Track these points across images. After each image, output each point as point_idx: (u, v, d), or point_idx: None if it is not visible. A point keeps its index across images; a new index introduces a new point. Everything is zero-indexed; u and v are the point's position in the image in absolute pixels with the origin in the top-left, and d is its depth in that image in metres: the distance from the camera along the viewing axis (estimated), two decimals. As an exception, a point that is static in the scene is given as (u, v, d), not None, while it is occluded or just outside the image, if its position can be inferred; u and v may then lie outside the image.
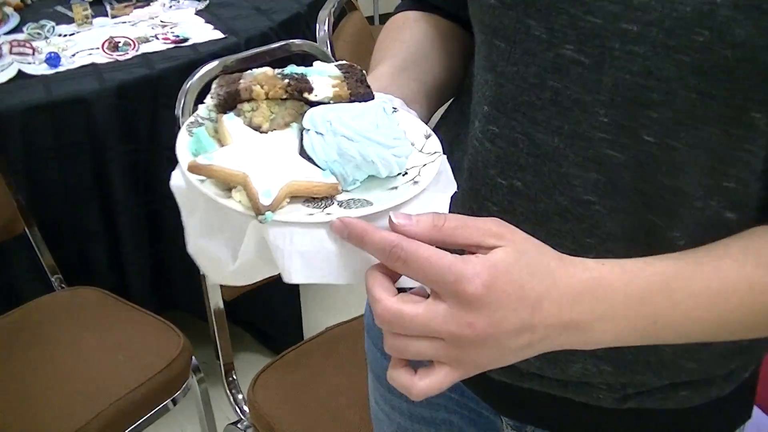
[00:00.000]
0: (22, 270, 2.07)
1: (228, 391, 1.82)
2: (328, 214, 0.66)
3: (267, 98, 0.72)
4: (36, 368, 1.79)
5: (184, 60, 2.21)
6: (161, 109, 2.13)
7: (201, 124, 0.75)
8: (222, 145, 0.70)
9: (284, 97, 0.73)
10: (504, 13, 0.72)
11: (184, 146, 0.71)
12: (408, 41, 0.95)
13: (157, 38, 2.29)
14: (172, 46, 2.26)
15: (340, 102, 0.74)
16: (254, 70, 0.76)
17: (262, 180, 0.65)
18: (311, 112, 0.71)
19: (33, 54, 2.13)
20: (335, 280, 0.66)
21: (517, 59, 0.70)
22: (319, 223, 0.65)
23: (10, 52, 2.13)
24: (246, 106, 0.72)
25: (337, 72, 0.78)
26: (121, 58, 2.17)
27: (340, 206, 0.68)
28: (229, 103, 0.72)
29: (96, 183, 2.14)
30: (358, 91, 0.75)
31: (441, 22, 0.99)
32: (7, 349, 1.85)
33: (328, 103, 0.74)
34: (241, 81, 0.74)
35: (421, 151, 0.76)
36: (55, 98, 2.04)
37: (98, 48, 2.20)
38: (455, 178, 0.73)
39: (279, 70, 0.76)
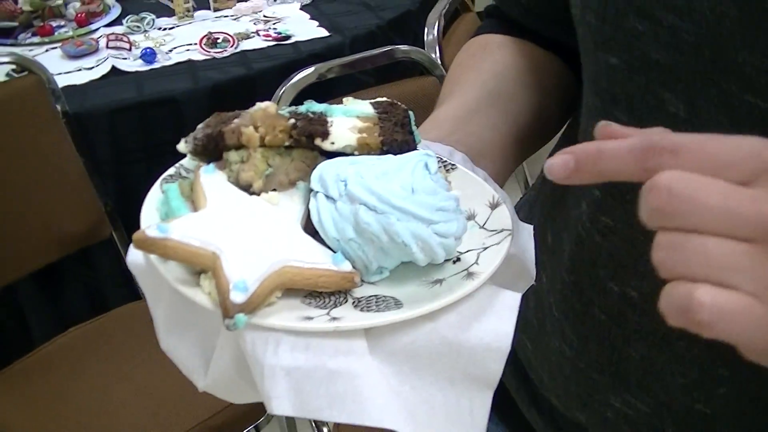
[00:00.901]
0: (108, 275, 1.97)
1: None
2: (334, 318, 0.45)
3: (263, 145, 0.51)
4: (114, 382, 1.67)
5: (283, 60, 2.04)
6: (258, 111, 1.98)
7: (183, 178, 0.54)
8: (195, 210, 0.50)
9: (287, 144, 0.51)
10: (629, 78, 0.55)
11: (151, 207, 0.51)
12: (486, 73, 0.73)
13: (258, 34, 2.13)
14: (273, 43, 2.10)
15: (368, 153, 0.52)
16: (260, 104, 0.55)
17: (241, 264, 0.45)
18: (322, 168, 0.50)
19: (129, 49, 2.02)
20: (343, 417, 0.45)
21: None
22: (318, 333, 0.43)
23: (107, 47, 2.03)
24: (234, 156, 0.51)
25: (371, 111, 0.55)
26: (218, 56, 2.02)
27: (356, 306, 0.47)
28: (209, 150, 0.52)
29: (186, 187, 2.00)
30: (394, 138, 0.52)
31: (535, 50, 0.76)
32: (89, 358, 1.77)
33: (351, 154, 0.52)
34: (236, 120, 0.53)
35: (483, 227, 0.53)
36: (145, 97, 1.92)
37: (196, 44, 2.06)
38: (552, 257, 0.50)
39: (291, 108, 0.54)
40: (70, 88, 1.88)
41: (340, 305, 0.47)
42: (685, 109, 0.53)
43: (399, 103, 0.57)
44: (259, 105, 0.52)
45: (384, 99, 0.58)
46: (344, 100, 0.59)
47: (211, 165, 0.51)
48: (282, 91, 1.65)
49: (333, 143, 0.51)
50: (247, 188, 0.50)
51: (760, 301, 0.34)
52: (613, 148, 0.40)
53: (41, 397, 1.58)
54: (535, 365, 0.77)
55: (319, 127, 0.51)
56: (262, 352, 0.44)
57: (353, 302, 0.47)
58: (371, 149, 0.51)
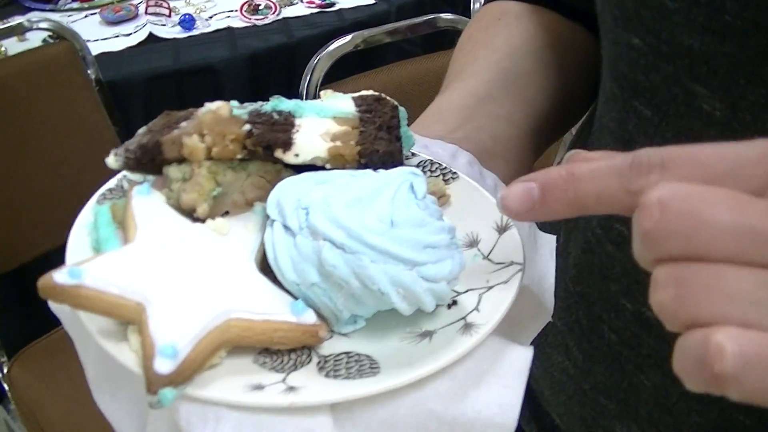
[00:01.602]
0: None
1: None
2: (292, 388, 0.35)
3: (210, 158, 0.40)
4: None
5: (326, 28, 1.94)
6: (298, 81, 1.88)
7: (120, 197, 0.44)
8: (126, 240, 0.39)
9: (240, 156, 0.40)
10: (654, 65, 0.46)
11: (81, 233, 0.41)
12: (500, 50, 0.61)
13: (302, 1, 2.02)
14: (317, 10, 1.98)
15: (342, 167, 0.40)
16: (209, 104, 0.44)
17: (171, 319, 0.35)
18: (281, 189, 0.39)
19: (169, 15, 1.93)
20: None
21: (668, 138, 0.44)
22: (268, 408, 0.34)
23: (146, 12, 1.94)
24: (174, 172, 0.40)
25: (351, 110, 0.44)
26: (259, 23, 1.91)
27: (321, 369, 0.37)
28: (145, 165, 0.41)
29: (222, 159, 1.93)
30: (375, 148, 0.41)
31: (558, 22, 0.63)
32: None
33: (322, 168, 0.41)
34: (184, 123, 0.42)
35: (487, 257, 0.41)
36: (182, 65, 1.84)
37: (236, 10, 1.95)
38: (556, 259, 0.46)
39: (253, 105, 0.43)
40: (105, 56, 1.80)
41: (302, 366, 0.36)
42: (722, 108, 0.43)
43: (388, 99, 0.45)
44: (209, 106, 0.41)
45: (370, 93, 0.46)
46: (322, 93, 0.48)
47: (146, 184, 0.40)
48: (317, 60, 1.52)
49: (297, 155, 0.40)
50: (191, 213, 0.40)
51: None
52: (589, 169, 0.31)
53: (63, 373, 1.54)
54: (537, 376, 0.67)
55: (280, 134, 0.40)
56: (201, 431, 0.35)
57: (319, 362, 0.37)
58: (346, 162, 0.40)
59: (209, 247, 0.38)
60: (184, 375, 0.34)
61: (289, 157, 0.39)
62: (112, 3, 2.00)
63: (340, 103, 0.45)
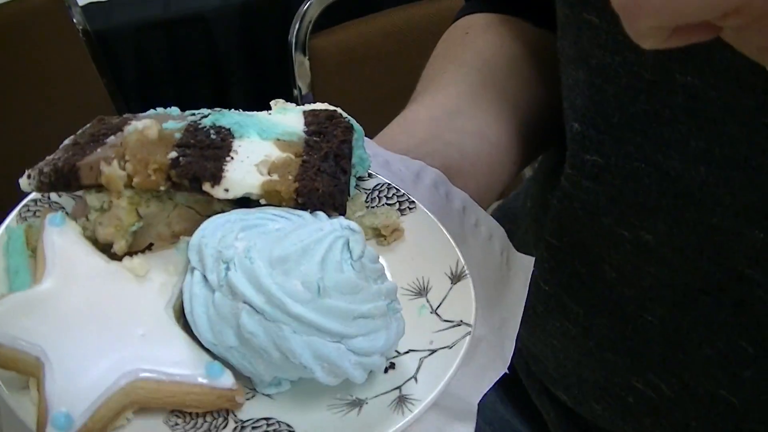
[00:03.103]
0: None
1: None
2: None
3: (131, 186, 0.35)
4: None
5: (323, -27, 1.85)
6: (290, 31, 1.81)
7: (55, 208, 0.39)
8: (35, 274, 0.35)
9: (164, 188, 0.35)
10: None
11: None
12: (469, 64, 0.58)
13: (296, -54, 1.92)
14: (312, -43, 1.89)
15: (277, 204, 0.36)
16: (166, 112, 0.39)
17: (69, 380, 0.31)
18: (204, 230, 0.34)
19: (159, -38, 1.85)
20: None
21: (620, 42, 0.42)
22: None
23: (136, -41, 1.86)
24: (94, 200, 0.36)
25: (298, 130, 0.39)
26: (252, -30, 1.83)
27: None
28: (60, 189, 0.36)
29: (215, 110, 1.88)
30: (314, 186, 0.35)
31: (528, 30, 0.60)
32: None
33: (256, 204, 0.36)
34: (111, 138, 0.37)
35: (435, 311, 0.37)
36: (173, 15, 1.75)
37: (229, -42, 1.87)
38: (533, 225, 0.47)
39: (194, 116, 0.38)
40: (93, 6, 1.73)
41: (220, 430, 0.32)
42: None
43: (342, 117, 0.40)
44: (136, 125, 0.36)
45: (323, 108, 0.41)
46: (272, 103, 0.43)
47: (60, 214, 0.35)
48: (306, 6, 1.43)
49: (227, 190, 0.35)
50: (107, 248, 0.35)
51: None
52: None
53: None
54: (536, 354, 0.64)
55: (209, 163, 0.35)
56: None
57: (235, 428, 0.32)
58: (282, 200, 0.35)
59: (122, 291, 0.34)
60: None
61: (218, 192, 0.34)
62: (100, -50, 1.91)
63: (289, 119, 0.40)
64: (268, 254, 0.31)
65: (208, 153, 0.36)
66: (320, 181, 0.35)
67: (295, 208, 0.35)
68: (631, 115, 0.48)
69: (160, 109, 0.44)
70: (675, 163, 0.47)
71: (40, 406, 0.30)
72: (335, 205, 0.35)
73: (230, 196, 0.35)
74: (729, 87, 0.42)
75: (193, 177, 0.34)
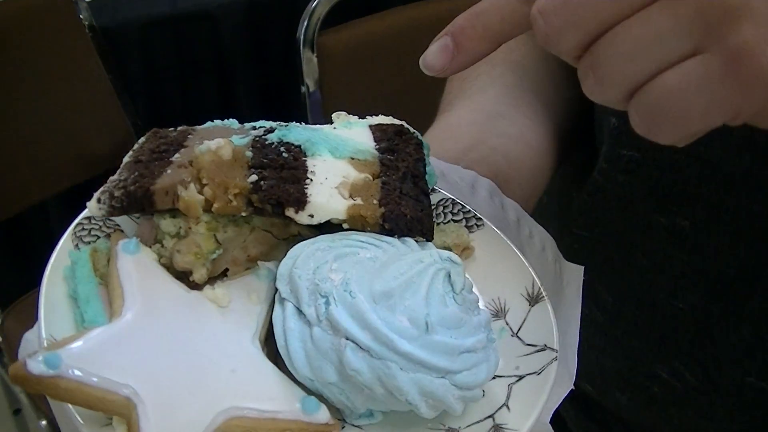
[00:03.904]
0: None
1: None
2: None
3: (208, 210, 0.33)
4: None
5: (328, -28, 1.83)
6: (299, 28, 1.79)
7: (108, 228, 0.37)
8: (110, 304, 0.33)
9: (245, 213, 0.33)
10: None
11: (59, 280, 0.35)
12: (501, 65, 0.58)
13: (303, -56, 1.90)
14: (318, -46, 1.87)
15: (364, 229, 0.34)
16: (214, 125, 0.37)
17: (166, 418, 0.29)
18: (293, 258, 0.32)
19: (165, -42, 1.82)
20: None
21: None
22: None
23: (141, -45, 1.83)
24: (168, 225, 0.34)
25: (370, 148, 0.37)
26: (258, -33, 1.80)
27: None
28: (132, 212, 0.34)
29: (221, 107, 1.83)
30: (401, 211, 0.34)
31: None
32: None
33: (338, 227, 0.34)
34: (176, 156, 0.35)
35: (516, 334, 0.36)
36: (180, 12, 1.75)
37: (236, -46, 1.84)
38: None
39: (255, 131, 0.36)
40: (99, 2, 1.71)
41: None
42: None
43: (410, 131, 0.39)
44: (209, 144, 0.34)
45: (390, 121, 0.39)
46: (334, 116, 0.41)
47: (135, 241, 0.33)
48: (315, 3, 1.41)
49: (312, 216, 0.33)
50: (187, 277, 0.33)
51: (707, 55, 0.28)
52: (488, 2, 0.34)
53: None
54: None
55: (291, 186, 0.33)
56: None
57: None
58: (367, 225, 0.33)
59: (207, 324, 0.32)
60: None
61: (303, 218, 0.33)
62: (106, -54, 1.88)
63: (356, 133, 0.39)
64: (368, 288, 0.30)
65: (286, 175, 0.34)
66: (405, 205, 0.34)
67: (380, 233, 0.33)
68: None
69: (217, 121, 0.43)
70: (717, 152, 0.47)
71: None
72: (423, 231, 0.34)
73: (314, 221, 0.33)
74: None
75: (276, 202, 0.33)
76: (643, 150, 0.51)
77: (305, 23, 1.45)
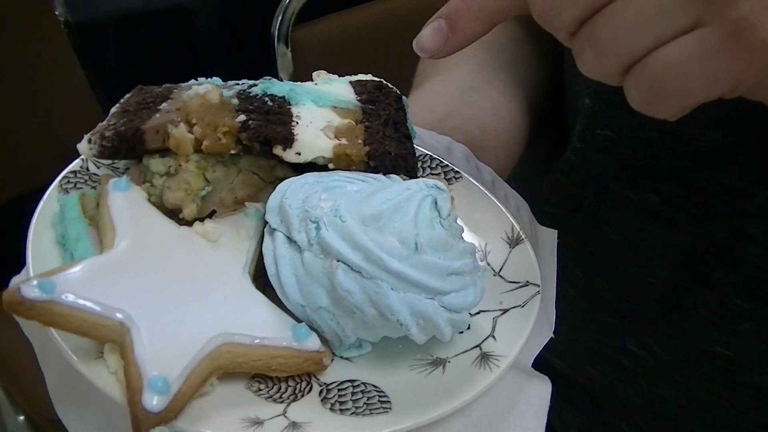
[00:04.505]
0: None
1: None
2: (295, 424, 0.30)
3: (199, 151, 0.34)
4: None
5: (301, -33, 1.84)
6: (271, 23, 1.80)
7: (94, 179, 0.38)
8: (100, 242, 0.34)
9: (234, 151, 0.34)
10: None
11: (46, 227, 0.36)
12: (477, 43, 0.56)
13: (277, -60, 1.91)
14: (292, -50, 1.87)
15: (346, 168, 0.35)
16: (199, 82, 0.38)
17: (159, 343, 0.30)
18: (282, 191, 0.33)
19: (140, -47, 1.81)
20: None
21: None
22: None
23: (116, -49, 1.82)
24: (157, 164, 0.35)
25: (352, 98, 0.38)
26: (233, -37, 1.81)
27: (325, 401, 0.32)
28: (122, 154, 0.35)
29: (197, 103, 1.85)
30: (386, 149, 0.35)
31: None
32: None
33: (323, 168, 0.35)
34: (164, 105, 0.36)
35: (499, 273, 0.37)
36: (154, 6, 1.75)
37: (210, -51, 1.84)
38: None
39: (239, 86, 0.37)
40: (74, -4, 1.71)
41: (302, 396, 0.32)
42: None
43: (390, 87, 0.40)
44: (197, 89, 0.35)
45: (368, 78, 0.41)
46: (314, 74, 0.42)
47: (124, 179, 0.34)
48: (288, -1, 1.44)
49: (299, 153, 0.34)
50: (176, 214, 0.34)
51: (708, 28, 0.29)
52: None
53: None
54: None
55: (279, 127, 0.34)
56: None
57: (321, 391, 0.32)
58: (352, 163, 0.35)
59: (198, 256, 0.33)
60: (175, 411, 0.29)
61: (290, 156, 0.34)
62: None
63: (338, 88, 0.40)
64: (358, 213, 0.31)
65: (273, 118, 0.35)
66: (389, 144, 0.35)
67: (366, 171, 0.34)
68: None
69: (201, 79, 0.43)
70: (690, 129, 0.48)
71: (129, 372, 0.29)
72: (407, 168, 0.35)
73: (301, 159, 0.34)
74: None
75: (264, 140, 0.33)
76: (617, 129, 0.51)
77: (280, 18, 1.46)
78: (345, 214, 0.31)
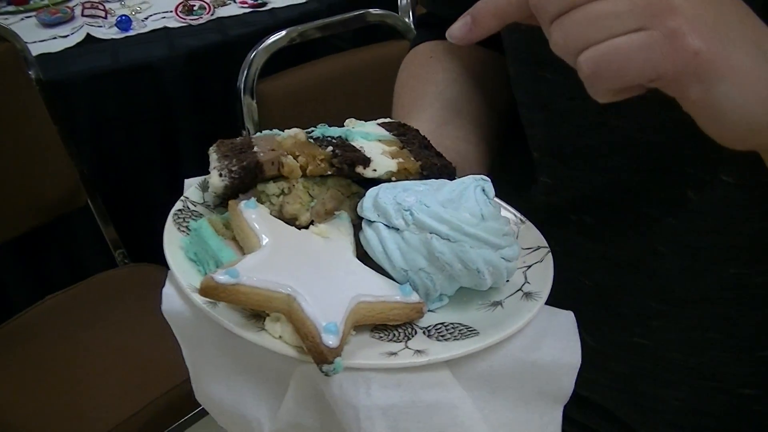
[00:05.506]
0: (86, 243, 1.90)
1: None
2: (418, 351, 0.42)
3: (304, 175, 0.48)
4: (90, 349, 1.55)
5: (259, 26, 1.95)
6: (234, 77, 1.90)
7: (196, 214, 0.49)
8: (240, 249, 0.46)
9: (330, 173, 0.48)
10: None
11: (176, 249, 0.46)
12: (442, 83, 0.69)
13: (234, 1, 2.03)
14: (249, 10, 2.00)
15: (405, 178, 0.49)
16: (274, 132, 0.51)
17: (319, 304, 0.40)
18: (375, 196, 0.46)
19: (105, 17, 1.92)
20: None
21: (575, 89, 0.47)
22: (407, 367, 0.41)
23: (82, 14, 1.92)
24: (273, 188, 0.48)
25: (385, 133, 0.53)
26: (194, 23, 1.91)
27: (429, 336, 0.44)
28: (246, 183, 0.48)
29: (164, 155, 1.91)
30: (431, 161, 0.50)
31: (480, 51, 0.72)
32: (67, 325, 1.63)
33: (386, 181, 0.49)
34: (256, 148, 0.49)
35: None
36: (122, 65, 1.81)
37: (171, 11, 1.95)
38: None
39: (308, 131, 0.51)
40: (46, 56, 1.77)
41: (413, 337, 0.43)
42: None
43: (408, 124, 0.54)
44: (288, 132, 0.49)
45: (389, 120, 0.54)
46: (347, 122, 0.53)
47: (253, 199, 0.47)
48: (254, 54, 1.56)
49: (375, 170, 0.48)
50: (293, 222, 0.48)
51: (650, 31, 0.38)
52: None
53: (20, 363, 1.51)
54: None
55: (358, 154, 0.48)
56: (353, 395, 0.40)
57: (424, 332, 0.44)
58: (410, 174, 0.48)
59: (321, 247, 0.45)
60: (342, 347, 0.39)
61: (368, 173, 0.47)
62: (48, 6, 1.97)
63: (372, 128, 0.52)
64: (435, 200, 0.44)
65: (347, 147, 0.49)
66: (432, 159, 0.49)
67: (419, 179, 0.48)
68: (579, 148, 0.60)
69: (266, 131, 0.54)
70: (620, 174, 0.59)
71: (304, 325, 0.39)
72: (449, 174, 0.49)
73: (376, 175, 0.47)
74: (647, 127, 0.56)
75: (350, 162, 0.47)
76: (557, 178, 0.63)
77: (245, 72, 1.58)
78: (428, 202, 0.44)
